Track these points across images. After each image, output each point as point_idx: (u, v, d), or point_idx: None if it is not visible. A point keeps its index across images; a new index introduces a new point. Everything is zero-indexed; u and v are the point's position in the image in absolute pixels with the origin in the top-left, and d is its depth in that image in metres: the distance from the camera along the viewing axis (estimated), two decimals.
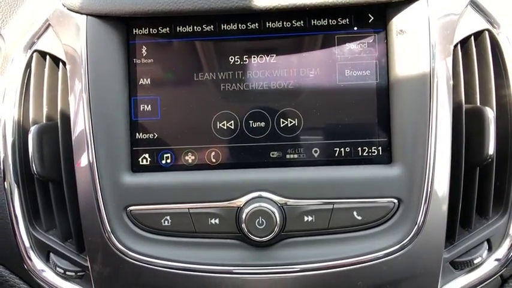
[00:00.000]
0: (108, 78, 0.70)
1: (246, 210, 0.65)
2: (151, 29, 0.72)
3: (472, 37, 0.73)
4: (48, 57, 0.77)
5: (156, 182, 0.69)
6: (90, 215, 0.68)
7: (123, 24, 0.72)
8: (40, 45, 0.79)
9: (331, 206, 0.67)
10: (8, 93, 0.79)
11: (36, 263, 0.75)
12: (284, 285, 0.67)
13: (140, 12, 0.69)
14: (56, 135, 0.73)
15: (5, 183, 0.75)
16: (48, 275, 0.75)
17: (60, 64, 0.76)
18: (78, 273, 0.74)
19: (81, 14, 0.71)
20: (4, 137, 0.76)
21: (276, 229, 0.65)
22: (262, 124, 0.71)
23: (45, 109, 0.76)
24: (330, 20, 0.71)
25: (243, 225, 0.65)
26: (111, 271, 0.69)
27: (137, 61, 0.72)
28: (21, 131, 0.77)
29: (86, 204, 0.69)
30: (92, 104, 0.68)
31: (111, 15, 0.70)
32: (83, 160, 0.69)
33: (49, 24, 0.78)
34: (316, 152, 0.70)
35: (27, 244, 0.75)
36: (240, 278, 0.67)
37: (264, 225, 0.65)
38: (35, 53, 0.79)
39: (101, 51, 0.70)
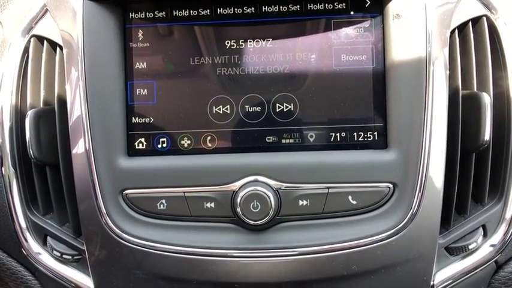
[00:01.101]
0: (105, 63, 0.70)
1: (241, 194, 0.65)
2: (147, 13, 0.72)
3: (470, 23, 0.72)
4: (45, 42, 0.77)
5: (152, 166, 0.69)
6: (86, 198, 0.69)
7: (120, 8, 0.71)
8: (38, 30, 0.79)
9: (326, 190, 0.67)
10: (6, 78, 0.79)
11: (33, 246, 0.76)
12: (279, 268, 0.67)
13: None
14: (53, 119, 0.73)
15: (3, 168, 0.76)
16: (45, 258, 0.75)
17: (58, 49, 0.76)
18: (75, 257, 0.74)
19: None
20: (1, 122, 0.76)
21: (271, 213, 0.65)
22: (258, 109, 0.71)
23: (42, 94, 0.76)
24: (327, 5, 0.70)
25: (238, 209, 0.65)
26: (107, 254, 0.70)
27: (133, 45, 0.72)
28: (19, 116, 0.77)
29: (82, 187, 0.69)
30: (88, 88, 0.68)
31: None
32: (80, 144, 0.69)
33: (47, 9, 0.78)
34: (311, 136, 0.70)
35: (24, 227, 0.76)
36: (235, 261, 0.67)
37: (258, 209, 0.65)
38: (32, 38, 0.79)
39: (97, 36, 0.70)
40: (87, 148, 0.68)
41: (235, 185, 0.67)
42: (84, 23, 0.69)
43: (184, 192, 0.68)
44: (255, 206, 0.65)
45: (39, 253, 0.76)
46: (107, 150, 0.69)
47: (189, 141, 0.71)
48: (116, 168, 0.69)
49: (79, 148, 0.69)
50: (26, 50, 0.80)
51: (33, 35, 0.79)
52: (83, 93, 0.68)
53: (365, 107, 0.69)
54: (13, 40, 0.82)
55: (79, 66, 0.69)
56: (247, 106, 0.71)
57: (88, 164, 0.68)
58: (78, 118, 0.69)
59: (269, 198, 0.65)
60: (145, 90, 0.72)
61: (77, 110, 0.69)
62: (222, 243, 0.68)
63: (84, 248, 0.72)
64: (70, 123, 0.70)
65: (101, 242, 0.69)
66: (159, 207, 0.69)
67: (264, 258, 0.67)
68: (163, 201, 0.68)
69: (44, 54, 0.77)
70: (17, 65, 0.79)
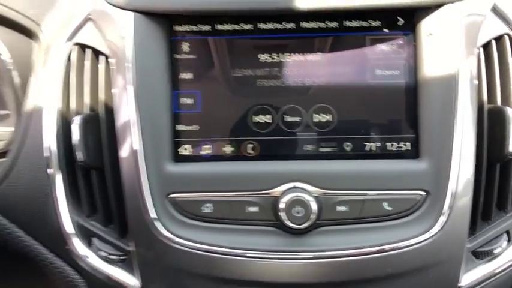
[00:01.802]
0: (152, 73, 0.74)
1: (284, 200, 0.69)
2: (192, 27, 0.76)
3: (493, 40, 0.77)
4: (88, 50, 0.81)
5: (197, 171, 0.73)
6: (135, 201, 0.72)
7: (166, 21, 0.75)
8: (80, 39, 0.82)
9: (363, 197, 0.71)
10: (49, 85, 0.82)
11: (79, 246, 0.78)
12: (317, 270, 0.71)
13: (183, 10, 0.73)
14: (98, 125, 0.77)
15: (49, 170, 0.79)
16: (91, 258, 0.78)
17: (102, 57, 0.79)
18: (121, 257, 0.78)
19: (127, 10, 0.74)
20: (48, 126, 0.80)
21: (313, 217, 0.69)
22: (297, 118, 0.75)
23: (87, 100, 0.79)
24: (362, 22, 0.75)
25: (281, 214, 0.69)
26: (155, 255, 0.73)
27: (179, 57, 0.76)
28: (63, 121, 0.81)
29: (131, 191, 0.72)
30: (138, 97, 0.72)
31: (155, 12, 0.74)
32: (129, 150, 0.72)
33: (89, 18, 0.81)
34: (348, 146, 0.74)
35: (70, 228, 0.78)
36: (276, 263, 0.71)
37: (301, 214, 0.69)
38: (75, 46, 0.82)
39: (145, 47, 0.74)
40: (137, 153, 0.72)
41: (277, 191, 0.71)
42: (134, 34, 0.73)
43: (228, 196, 0.72)
44: (298, 211, 0.69)
45: (85, 253, 0.78)
46: (155, 156, 0.73)
47: (232, 149, 0.75)
48: (163, 173, 0.73)
49: (129, 153, 0.73)
50: (68, 58, 0.83)
51: (75, 43, 0.82)
52: (133, 101, 0.72)
53: (398, 119, 0.74)
54: (55, 47, 0.85)
55: (128, 76, 0.72)
56: (286, 116, 0.75)
57: (137, 169, 0.72)
58: (127, 124, 0.72)
59: (311, 204, 0.69)
60: (190, 99, 0.76)
61: (125, 116, 0.73)
62: (264, 246, 0.72)
63: (130, 248, 0.76)
64: (119, 130, 0.73)
65: (149, 243, 0.73)
66: (204, 211, 0.72)
67: (303, 260, 0.71)
68: (208, 204, 0.72)
69: (87, 62, 0.80)
70: (60, 73, 0.82)
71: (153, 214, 0.72)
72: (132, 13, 0.74)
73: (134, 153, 0.72)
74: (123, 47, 0.74)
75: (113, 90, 0.75)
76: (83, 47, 0.82)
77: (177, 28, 0.76)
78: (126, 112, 0.73)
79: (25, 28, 0.88)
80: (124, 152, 0.73)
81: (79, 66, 0.82)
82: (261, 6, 0.73)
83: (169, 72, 0.75)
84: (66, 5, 0.88)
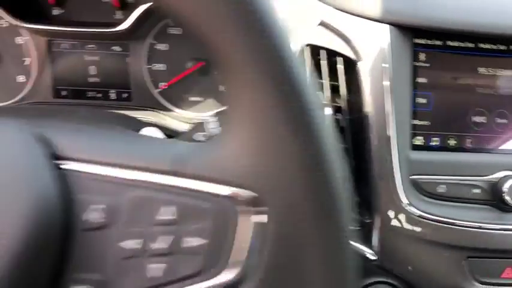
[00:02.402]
0: (399, 75, 0.90)
1: (507, 185, 0.89)
2: (428, 41, 0.93)
3: None
4: (322, 51, 0.95)
5: (431, 158, 0.91)
6: (385, 181, 0.89)
7: (411, 34, 0.92)
8: (312, 40, 0.96)
9: None
10: None
11: None
12: None
13: (427, 26, 0.91)
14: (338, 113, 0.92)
15: None
16: None
17: (338, 58, 0.94)
18: (356, 228, 0.94)
19: (382, 23, 0.90)
20: None
21: None
22: (505, 121, 0.95)
23: (327, 93, 0.94)
24: None
25: (504, 194, 0.89)
26: (397, 225, 0.90)
27: (417, 64, 0.93)
28: None
29: (382, 172, 0.89)
30: (393, 93, 0.88)
31: (406, 26, 0.90)
32: (382, 137, 0.89)
33: (322, 23, 0.96)
34: None
35: None
36: (490, 232, 0.91)
37: None
38: (307, 46, 0.96)
39: (396, 54, 0.90)
40: (390, 140, 0.88)
41: (496, 177, 0.91)
42: (390, 43, 0.89)
43: (457, 180, 0.91)
44: None
45: None
46: (401, 144, 0.89)
47: (454, 142, 0.94)
48: (407, 158, 0.90)
49: (381, 140, 0.89)
50: (300, 55, 0.97)
51: (308, 44, 0.97)
52: (390, 97, 0.88)
53: None
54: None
55: (385, 75, 0.88)
56: (497, 118, 0.95)
57: (390, 154, 0.88)
58: (382, 115, 0.88)
59: None
60: (424, 99, 0.93)
61: (381, 108, 0.89)
62: (482, 219, 0.91)
63: (368, 220, 0.92)
64: (373, 119, 0.89)
65: (395, 215, 0.90)
66: (438, 191, 0.90)
67: (509, 231, 0.92)
68: (443, 186, 0.90)
69: (323, 62, 0.95)
70: None
71: (401, 192, 0.89)
72: (388, 26, 0.90)
73: (387, 140, 0.89)
74: (376, 52, 0.90)
75: (366, 88, 0.90)
76: (314, 47, 0.96)
77: (417, 41, 0.93)
78: (382, 105, 0.89)
79: None
80: (376, 139, 0.89)
81: (312, 64, 0.96)
82: (485, 30, 0.92)
83: (410, 76, 0.92)
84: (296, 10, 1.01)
